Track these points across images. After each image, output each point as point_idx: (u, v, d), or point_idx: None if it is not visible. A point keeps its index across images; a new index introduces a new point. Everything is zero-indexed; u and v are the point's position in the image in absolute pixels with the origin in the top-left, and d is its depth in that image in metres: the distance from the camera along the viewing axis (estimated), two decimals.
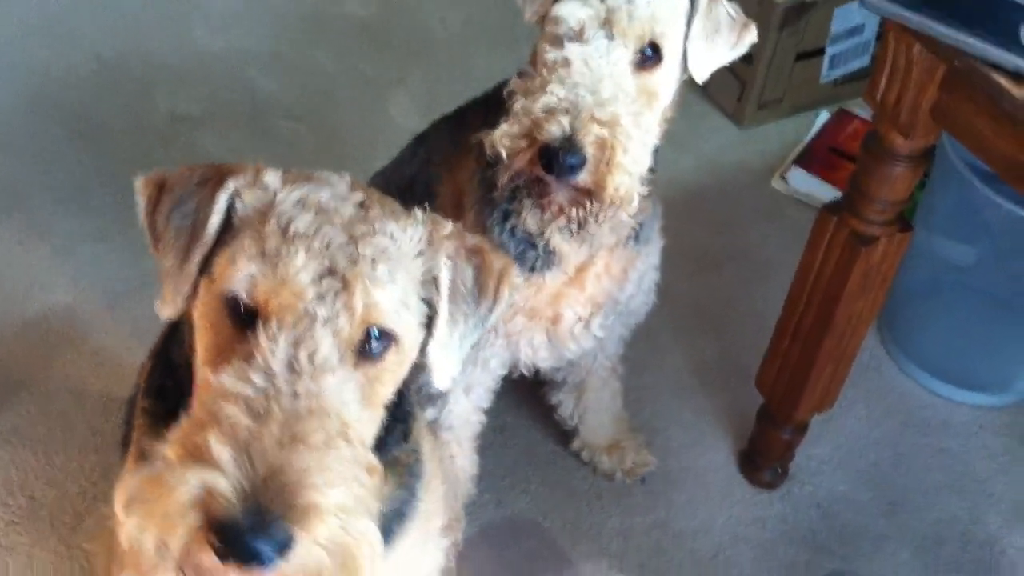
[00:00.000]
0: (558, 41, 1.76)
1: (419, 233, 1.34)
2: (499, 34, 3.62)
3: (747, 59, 3.26)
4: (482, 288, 1.40)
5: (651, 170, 1.98)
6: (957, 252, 2.86)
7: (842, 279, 2.09)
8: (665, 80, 1.82)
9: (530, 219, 1.93)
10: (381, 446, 1.48)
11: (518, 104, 1.75)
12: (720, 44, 1.87)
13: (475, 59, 3.54)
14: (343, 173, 1.37)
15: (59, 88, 3.33)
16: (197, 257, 1.32)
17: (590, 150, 1.69)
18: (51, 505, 2.34)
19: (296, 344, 1.21)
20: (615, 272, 2.04)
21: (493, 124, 1.77)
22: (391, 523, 1.54)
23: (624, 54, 1.75)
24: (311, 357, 1.20)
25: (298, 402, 1.19)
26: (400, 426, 1.53)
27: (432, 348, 1.37)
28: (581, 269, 2.01)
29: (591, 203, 1.77)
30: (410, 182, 2.17)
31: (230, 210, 1.32)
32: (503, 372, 2.21)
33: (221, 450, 1.14)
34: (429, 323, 1.36)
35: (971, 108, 1.73)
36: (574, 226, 1.86)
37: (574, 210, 1.80)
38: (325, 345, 1.21)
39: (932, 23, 1.67)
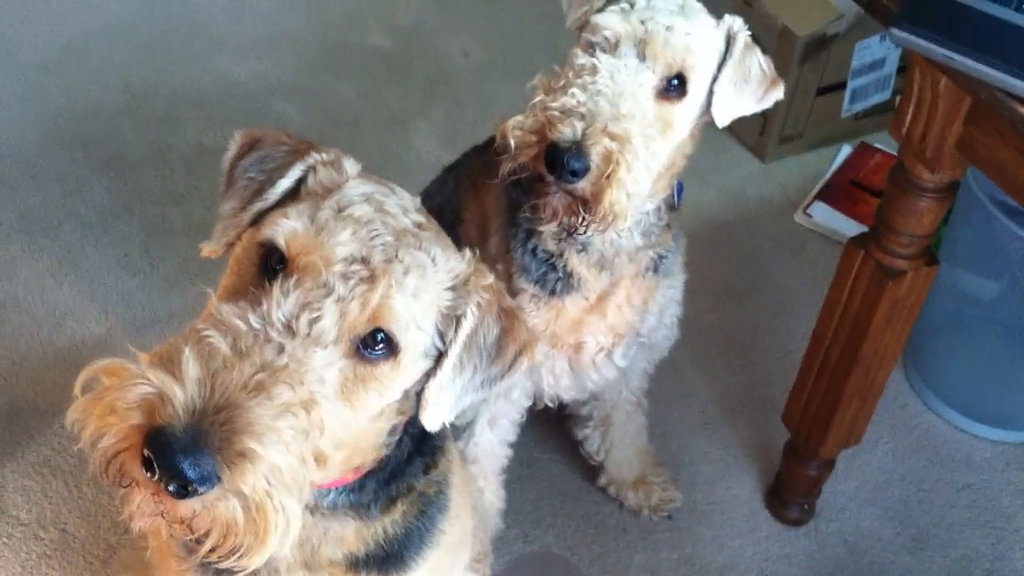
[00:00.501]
0: (591, 49, 1.78)
1: (460, 269, 1.36)
2: (521, 67, 3.64)
3: None
4: (501, 351, 1.40)
5: (671, 207, 1.99)
6: (980, 286, 2.85)
7: (869, 313, 2.09)
8: (684, 114, 1.83)
9: (550, 239, 1.94)
10: (399, 474, 1.50)
11: (537, 99, 1.76)
12: (747, 94, 1.88)
13: (497, 92, 3.57)
14: (416, 197, 1.40)
15: (86, 118, 3.37)
16: (255, 208, 1.36)
17: (595, 159, 1.69)
18: (83, 538, 2.34)
19: (303, 307, 1.22)
20: (636, 302, 2.05)
21: None
22: (403, 548, 1.55)
23: (650, 78, 1.76)
24: (310, 324, 1.22)
25: (280, 359, 1.20)
26: (423, 459, 1.54)
27: (432, 385, 1.36)
28: (602, 297, 2.01)
29: (584, 213, 1.77)
30: (440, 209, 2.19)
31: (302, 181, 1.37)
32: (527, 403, 2.21)
33: (190, 365, 1.15)
34: (438, 361, 1.36)
35: (997, 141, 1.73)
36: (563, 233, 1.88)
37: (566, 217, 1.80)
38: (328, 319, 1.22)
39: (958, 56, 1.67)
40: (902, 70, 3.39)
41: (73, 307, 2.83)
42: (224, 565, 1.22)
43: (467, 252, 1.39)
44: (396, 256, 1.27)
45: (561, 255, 1.96)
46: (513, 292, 2.01)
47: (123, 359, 1.19)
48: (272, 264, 1.28)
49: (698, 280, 2.96)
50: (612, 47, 1.77)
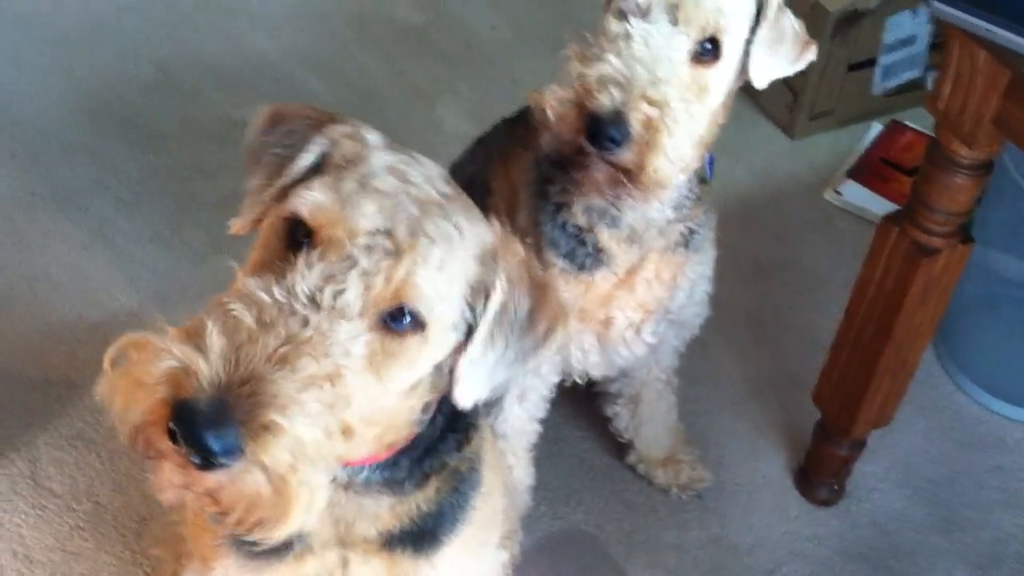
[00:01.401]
0: (623, 16, 1.75)
1: (487, 238, 1.34)
2: (548, 42, 3.62)
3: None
4: (533, 324, 1.37)
5: (703, 179, 1.98)
6: (1012, 266, 2.83)
7: (902, 291, 2.08)
8: (719, 79, 1.81)
9: (580, 213, 1.93)
10: (432, 451, 1.50)
11: (573, 69, 1.74)
12: (782, 55, 1.86)
13: (524, 66, 3.54)
14: (441, 166, 1.38)
15: (115, 93, 3.37)
16: (279, 184, 1.35)
17: (636, 127, 1.67)
18: (116, 510, 2.36)
19: (327, 279, 1.21)
20: (665, 278, 2.03)
21: None
22: (436, 525, 1.55)
23: (684, 42, 1.74)
24: (335, 296, 1.21)
25: (305, 331, 1.19)
26: (456, 436, 1.54)
27: (462, 361, 1.35)
28: (631, 271, 2.00)
29: (627, 183, 1.75)
30: (469, 181, 2.17)
31: (325, 154, 1.35)
32: (556, 379, 2.20)
33: (215, 338, 1.15)
34: (469, 335, 1.35)
35: None
36: (608, 205, 1.87)
37: (609, 189, 1.78)
38: (352, 292, 1.22)
39: (999, 30, 1.66)
40: (934, 47, 3.36)
41: (104, 281, 2.84)
42: (249, 538, 1.23)
43: (495, 222, 1.37)
44: (421, 228, 1.26)
45: (591, 230, 1.95)
46: (542, 267, 2.00)
47: (150, 333, 1.20)
48: (299, 237, 1.27)
49: (727, 258, 2.93)
50: (644, 13, 1.74)
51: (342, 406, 1.22)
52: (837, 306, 2.27)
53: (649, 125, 1.68)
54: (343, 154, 1.34)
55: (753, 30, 1.83)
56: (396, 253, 1.23)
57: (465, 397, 1.38)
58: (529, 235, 2.02)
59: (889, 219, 2.08)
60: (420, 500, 1.52)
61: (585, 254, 1.97)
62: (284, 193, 1.34)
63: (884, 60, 3.33)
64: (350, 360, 1.22)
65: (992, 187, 2.63)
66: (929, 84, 3.42)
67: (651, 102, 1.68)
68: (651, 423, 2.45)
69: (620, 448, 2.53)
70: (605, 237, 1.95)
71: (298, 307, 1.20)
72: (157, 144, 3.22)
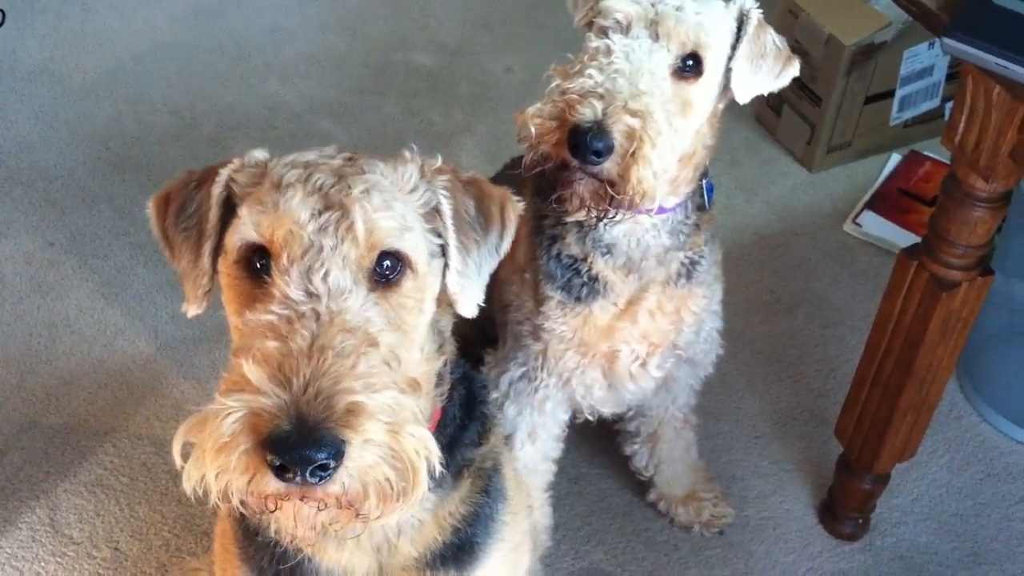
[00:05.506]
0: (603, 33, 1.77)
1: (410, 171, 1.39)
2: None
3: (816, 102, 3.26)
4: (487, 216, 1.44)
5: (700, 207, 1.97)
6: None
7: (922, 325, 2.06)
8: (701, 95, 1.81)
9: (573, 243, 1.93)
10: (454, 444, 1.52)
11: (554, 84, 1.75)
12: (764, 70, 1.86)
13: None
14: (332, 144, 1.43)
15: (135, 140, 3.41)
16: (207, 248, 1.38)
17: (618, 138, 1.68)
18: (135, 557, 2.37)
19: (308, 272, 1.25)
20: (668, 310, 2.02)
21: None
22: (473, 535, 1.56)
23: (665, 56, 1.75)
24: (324, 280, 1.25)
25: (322, 322, 1.23)
26: (475, 425, 1.56)
27: (450, 277, 1.40)
28: (632, 303, 1.99)
29: (612, 194, 1.75)
30: None
31: (231, 197, 1.38)
32: (565, 417, 2.19)
33: (255, 372, 1.18)
34: (445, 260, 1.41)
35: None
36: (593, 220, 1.86)
37: (593, 203, 1.79)
38: (335, 269, 1.26)
39: (1012, 65, 1.65)
40: (951, 77, 3.35)
41: (124, 327, 2.86)
42: (385, 519, 1.25)
43: (405, 152, 1.41)
44: (349, 187, 1.30)
45: (585, 259, 1.95)
46: (540, 300, 2.00)
47: (198, 409, 1.21)
48: (258, 265, 1.30)
49: (747, 292, 2.95)
50: (625, 29, 1.76)
51: (394, 363, 1.27)
52: (858, 339, 2.25)
53: (631, 136, 1.68)
54: (245, 183, 1.37)
55: (734, 47, 1.84)
56: (344, 216, 1.27)
57: (467, 306, 1.43)
58: (528, 270, 2.03)
59: (907, 253, 2.06)
60: (457, 501, 1.53)
61: (581, 284, 1.96)
62: (216, 252, 1.38)
63: (901, 91, 3.33)
64: (372, 321, 1.26)
65: (1012, 216, 2.61)
66: (947, 114, 3.41)
67: (633, 113, 1.68)
68: (670, 461, 2.43)
69: (640, 486, 2.51)
70: (600, 265, 1.94)
71: (304, 309, 1.23)
72: None
